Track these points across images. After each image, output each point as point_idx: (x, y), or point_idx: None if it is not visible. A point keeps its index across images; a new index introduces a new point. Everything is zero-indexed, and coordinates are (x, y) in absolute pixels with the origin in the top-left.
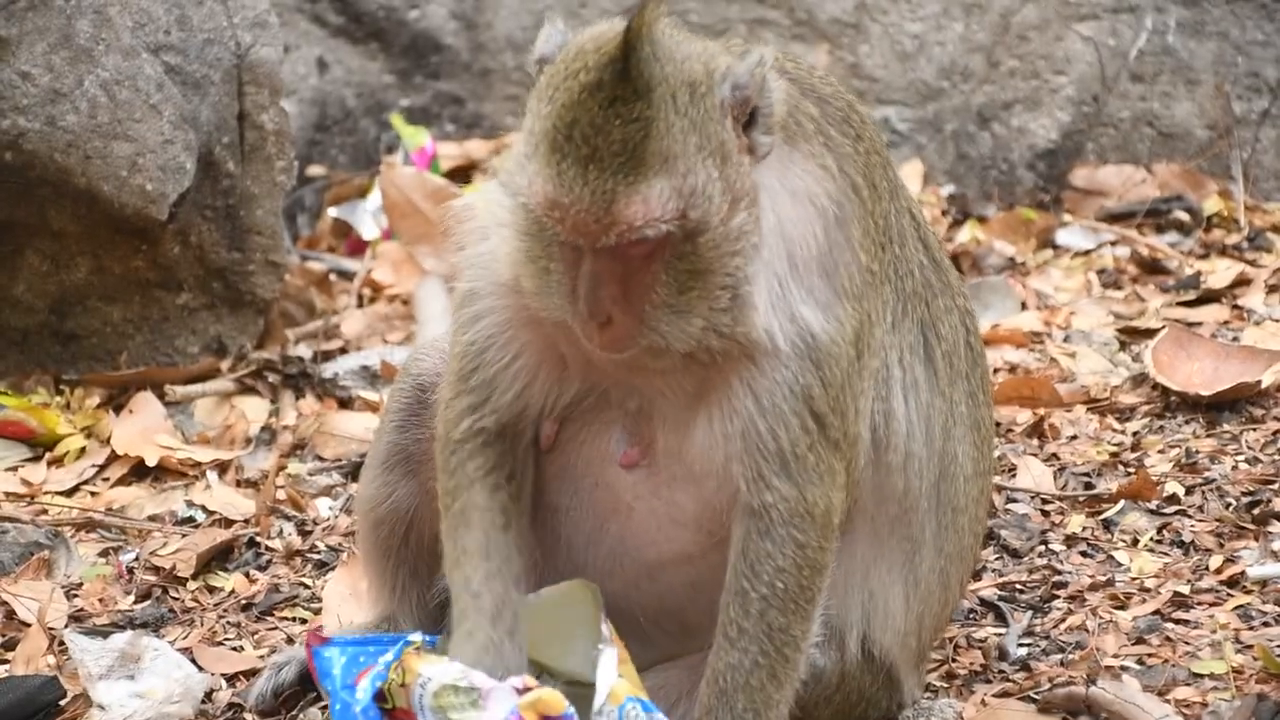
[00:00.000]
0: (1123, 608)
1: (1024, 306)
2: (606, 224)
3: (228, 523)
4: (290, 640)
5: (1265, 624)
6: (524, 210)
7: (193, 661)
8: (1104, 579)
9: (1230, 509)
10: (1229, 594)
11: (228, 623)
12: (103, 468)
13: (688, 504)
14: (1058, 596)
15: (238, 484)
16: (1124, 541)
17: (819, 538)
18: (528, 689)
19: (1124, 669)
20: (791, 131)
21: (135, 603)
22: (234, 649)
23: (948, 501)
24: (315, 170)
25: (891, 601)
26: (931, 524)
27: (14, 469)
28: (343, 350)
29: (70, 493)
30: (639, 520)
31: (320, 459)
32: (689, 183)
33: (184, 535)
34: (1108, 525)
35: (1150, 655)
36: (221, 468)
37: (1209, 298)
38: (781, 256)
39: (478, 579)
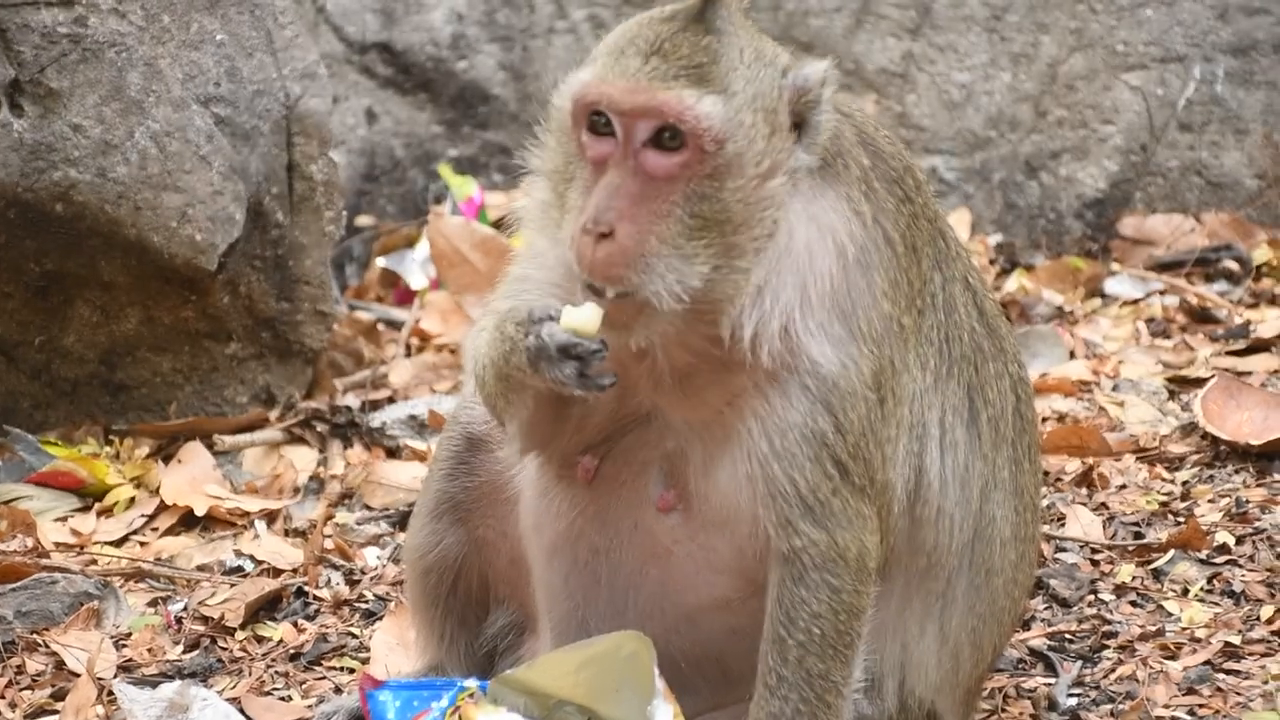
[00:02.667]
0: (1173, 658)
1: (1072, 355)
2: (646, 98)
3: (276, 572)
4: (338, 690)
5: None
6: (555, 134)
7: (241, 711)
8: (1154, 629)
9: None
10: None
11: (276, 672)
12: (152, 518)
13: (723, 549)
14: (1108, 646)
15: (286, 533)
16: (1174, 591)
17: (854, 582)
18: None
19: None
20: (835, 172)
21: (184, 652)
22: (282, 699)
23: (982, 562)
24: (364, 220)
25: (923, 654)
26: (963, 582)
27: (63, 519)
28: (391, 400)
29: (119, 543)
30: (677, 565)
31: (368, 508)
32: (738, 118)
33: (232, 585)
34: (1158, 575)
35: (1201, 706)
36: (270, 517)
37: (1258, 347)
38: (791, 285)
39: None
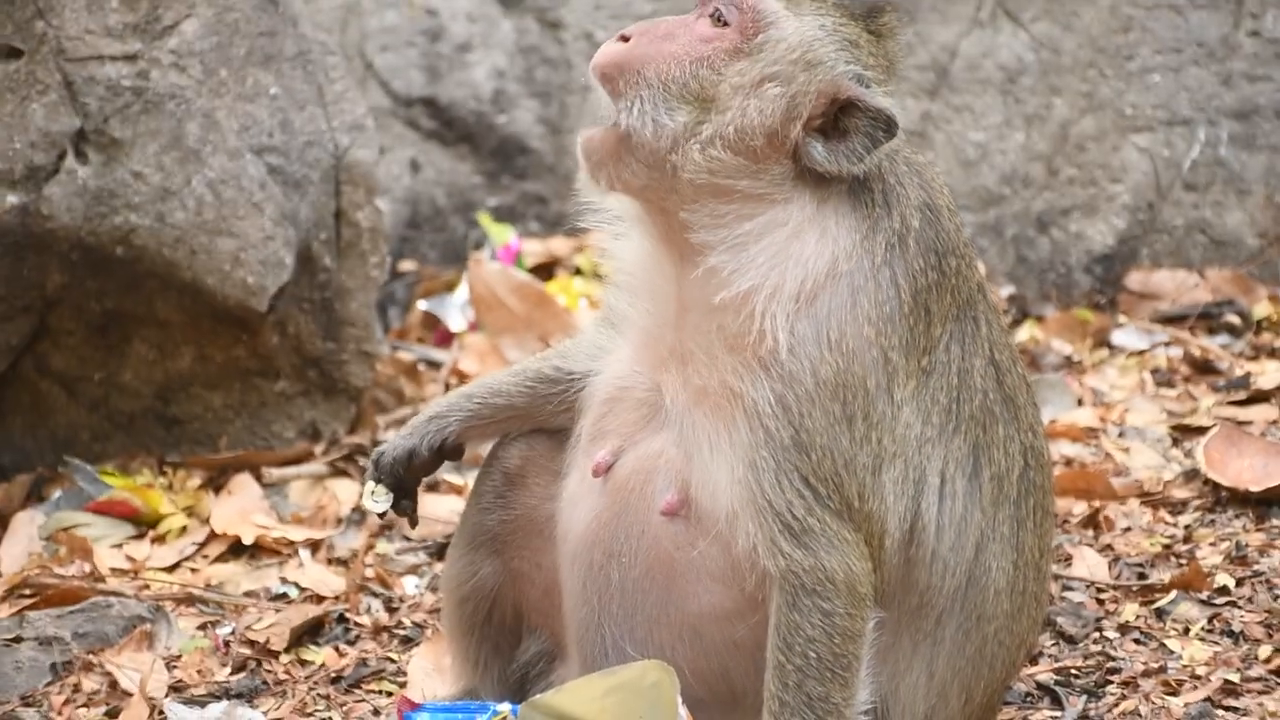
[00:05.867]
0: (1175, 694)
1: (1080, 403)
2: None
3: (319, 599)
4: (376, 712)
5: None
6: None
7: None
8: (1157, 666)
9: (1279, 600)
10: (1278, 682)
11: (318, 694)
12: (202, 545)
13: (719, 557)
14: (1112, 682)
15: (329, 562)
16: (1176, 630)
17: (846, 605)
18: None
19: None
20: (872, 213)
21: (231, 674)
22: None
23: (973, 608)
24: (407, 265)
25: (910, 688)
26: (953, 625)
27: (119, 546)
28: None
29: (172, 569)
30: (680, 572)
31: (407, 539)
32: (784, 28)
33: (278, 610)
34: (1160, 614)
35: None
36: (314, 547)
37: (1258, 398)
38: (773, 265)
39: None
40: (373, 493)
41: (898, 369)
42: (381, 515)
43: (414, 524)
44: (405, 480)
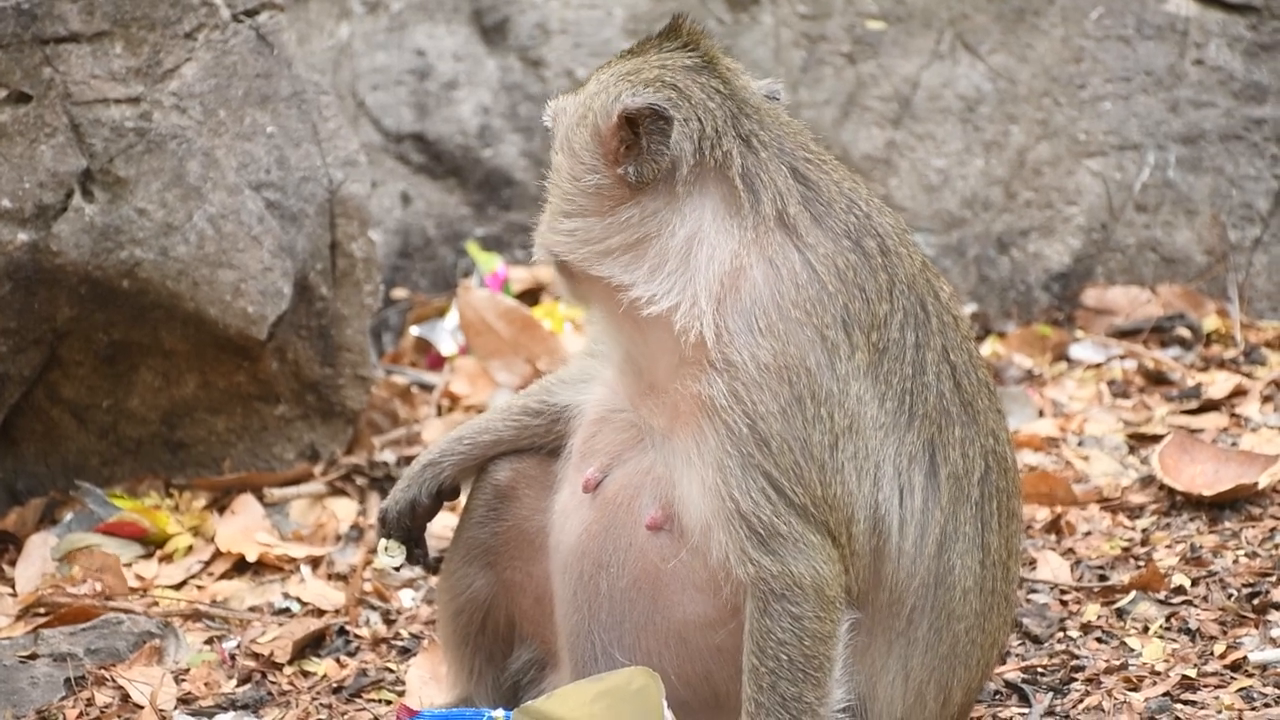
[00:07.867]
0: (1135, 690)
1: (1041, 414)
2: None
3: (320, 613)
4: None
5: (1266, 705)
6: None
7: None
8: (1118, 663)
9: (1232, 599)
10: (1232, 677)
11: (320, 704)
12: (208, 563)
13: (700, 569)
14: (1076, 679)
15: (329, 577)
16: (1135, 629)
17: (814, 609)
18: None
19: None
20: (740, 206)
21: (237, 686)
22: None
23: (943, 607)
24: (399, 293)
25: (888, 687)
26: (924, 624)
27: (129, 565)
28: None
29: (179, 586)
30: (664, 582)
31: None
32: (561, 106)
33: (281, 624)
34: (1120, 614)
35: None
36: (314, 563)
37: (1209, 406)
38: (683, 277)
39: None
40: (385, 549)
41: (838, 345)
42: (398, 568)
43: (431, 570)
44: (413, 530)
